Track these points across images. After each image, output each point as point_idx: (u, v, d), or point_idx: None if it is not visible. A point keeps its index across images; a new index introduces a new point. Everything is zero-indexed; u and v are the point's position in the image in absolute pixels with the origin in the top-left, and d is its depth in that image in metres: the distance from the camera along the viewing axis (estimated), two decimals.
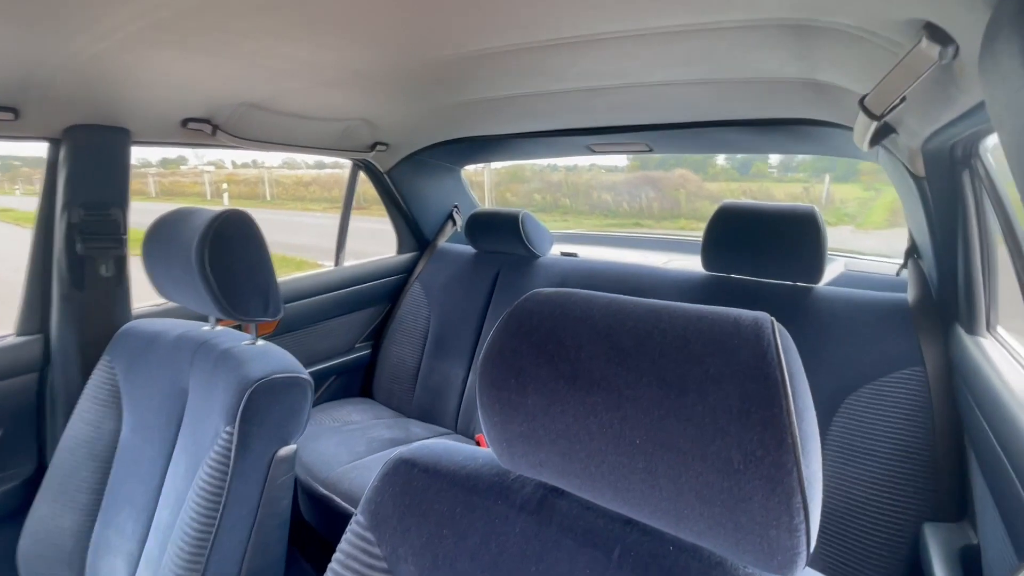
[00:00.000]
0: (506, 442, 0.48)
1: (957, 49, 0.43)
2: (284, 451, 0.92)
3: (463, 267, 1.99)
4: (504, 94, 1.26)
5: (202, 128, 1.23)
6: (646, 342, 0.42)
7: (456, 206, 2.24)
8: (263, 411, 0.88)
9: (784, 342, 0.40)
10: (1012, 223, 0.83)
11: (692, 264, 2.01)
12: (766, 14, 0.60)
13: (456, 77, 1.13)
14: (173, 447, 0.97)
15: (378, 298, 2.06)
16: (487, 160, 2.16)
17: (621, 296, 0.48)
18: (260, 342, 1.05)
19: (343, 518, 1.35)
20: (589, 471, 0.43)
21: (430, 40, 0.88)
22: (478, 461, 0.61)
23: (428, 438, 1.74)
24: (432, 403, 1.87)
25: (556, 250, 2.09)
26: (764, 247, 1.34)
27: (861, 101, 0.60)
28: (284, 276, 1.76)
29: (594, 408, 0.42)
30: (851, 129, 1.15)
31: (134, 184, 1.25)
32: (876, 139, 0.89)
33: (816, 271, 1.30)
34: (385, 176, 1.93)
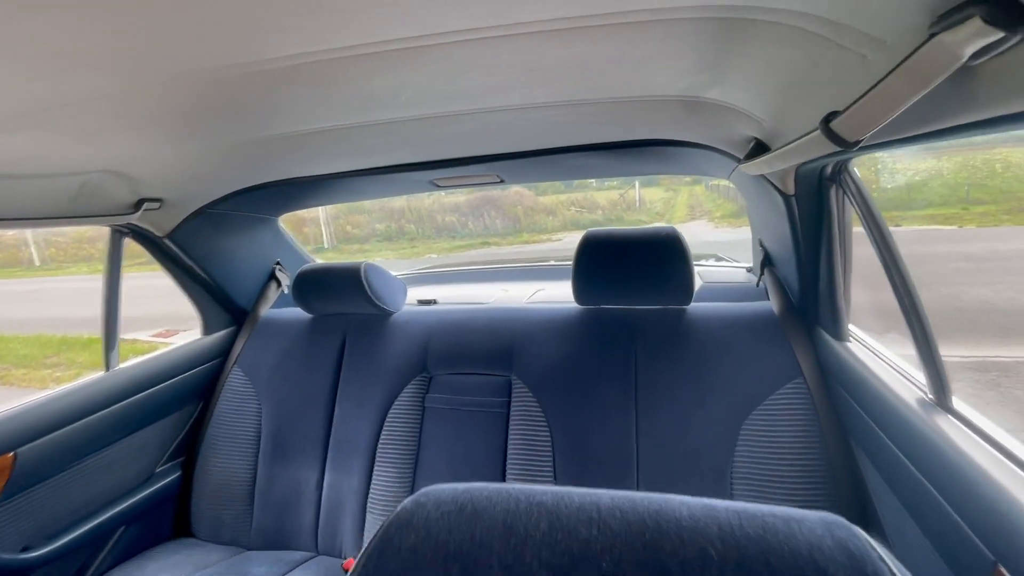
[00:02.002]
0: None
1: None
2: None
3: (297, 338, 1.59)
4: (322, 127, 0.97)
5: None
6: None
7: (278, 263, 1.83)
8: None
9: None
10: (883, 231, 0.81)
11: (559, 292, 1.91)
12: (694, 1, 0.44)
13: (250, 105, 0.81)
14: None
15: (182, 399, 1.55)
16: (311, 205, 1.80)
17: (568, 493, 0.25)
18: None
19: None
20: None
21: (192, 48, 0.56)
22: None
23: None
24: (280, 524, 1.44)
25: (411, 296, 1.82)
26: (633, 275, 1.27)
27: (826, 122, 0.46)
28: (22, 399, 1.19)
29: None
30: (716, 149, 1.10)
31: None
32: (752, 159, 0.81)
33: (686, 292, 1.25)
34: (165, 242, 1.45)
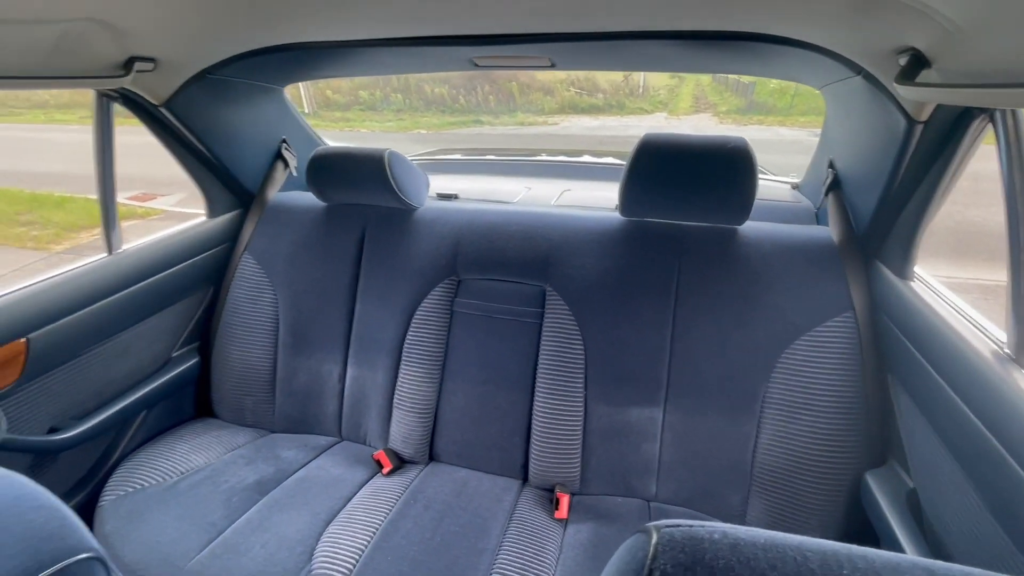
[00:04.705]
0: None
1: None
2: None
3: (311, 227, 1.49)
4: None
5: None
6: None
7: (285, 141, 1.64)
8: None
9: None
10: None
11: (588, 195, 1.79)
12: None
13: None
14: None
15: (191, 285, 1.47)
16: (324, 76, 1.56)
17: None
18: None
19: None
20: None
21: None
22: None
23: (309, 462, 1.37)
24: (303, 411, 1.46)
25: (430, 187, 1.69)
26: (690, 188, 1.15)
27: None
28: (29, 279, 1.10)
29: None
30: (838, 57, 0.93)
31: None
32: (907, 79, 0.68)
33: (744, 212, 1.16)
34: (162, 111, 1.26)
